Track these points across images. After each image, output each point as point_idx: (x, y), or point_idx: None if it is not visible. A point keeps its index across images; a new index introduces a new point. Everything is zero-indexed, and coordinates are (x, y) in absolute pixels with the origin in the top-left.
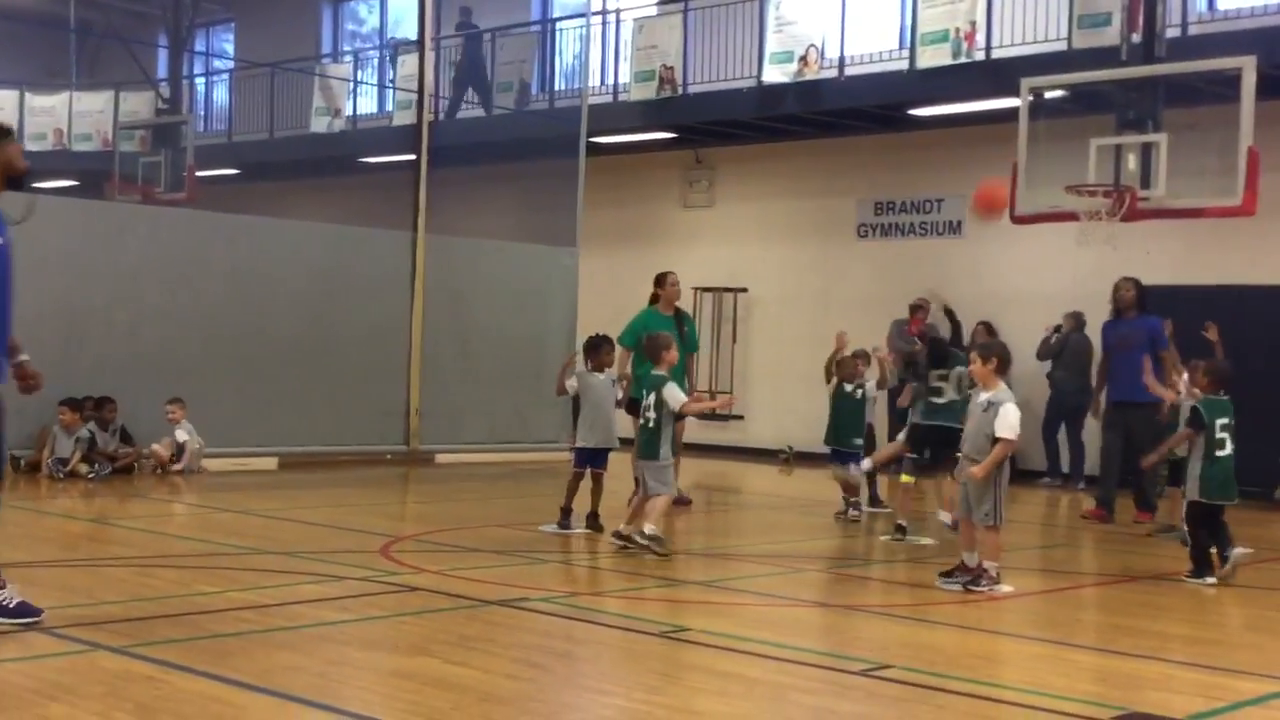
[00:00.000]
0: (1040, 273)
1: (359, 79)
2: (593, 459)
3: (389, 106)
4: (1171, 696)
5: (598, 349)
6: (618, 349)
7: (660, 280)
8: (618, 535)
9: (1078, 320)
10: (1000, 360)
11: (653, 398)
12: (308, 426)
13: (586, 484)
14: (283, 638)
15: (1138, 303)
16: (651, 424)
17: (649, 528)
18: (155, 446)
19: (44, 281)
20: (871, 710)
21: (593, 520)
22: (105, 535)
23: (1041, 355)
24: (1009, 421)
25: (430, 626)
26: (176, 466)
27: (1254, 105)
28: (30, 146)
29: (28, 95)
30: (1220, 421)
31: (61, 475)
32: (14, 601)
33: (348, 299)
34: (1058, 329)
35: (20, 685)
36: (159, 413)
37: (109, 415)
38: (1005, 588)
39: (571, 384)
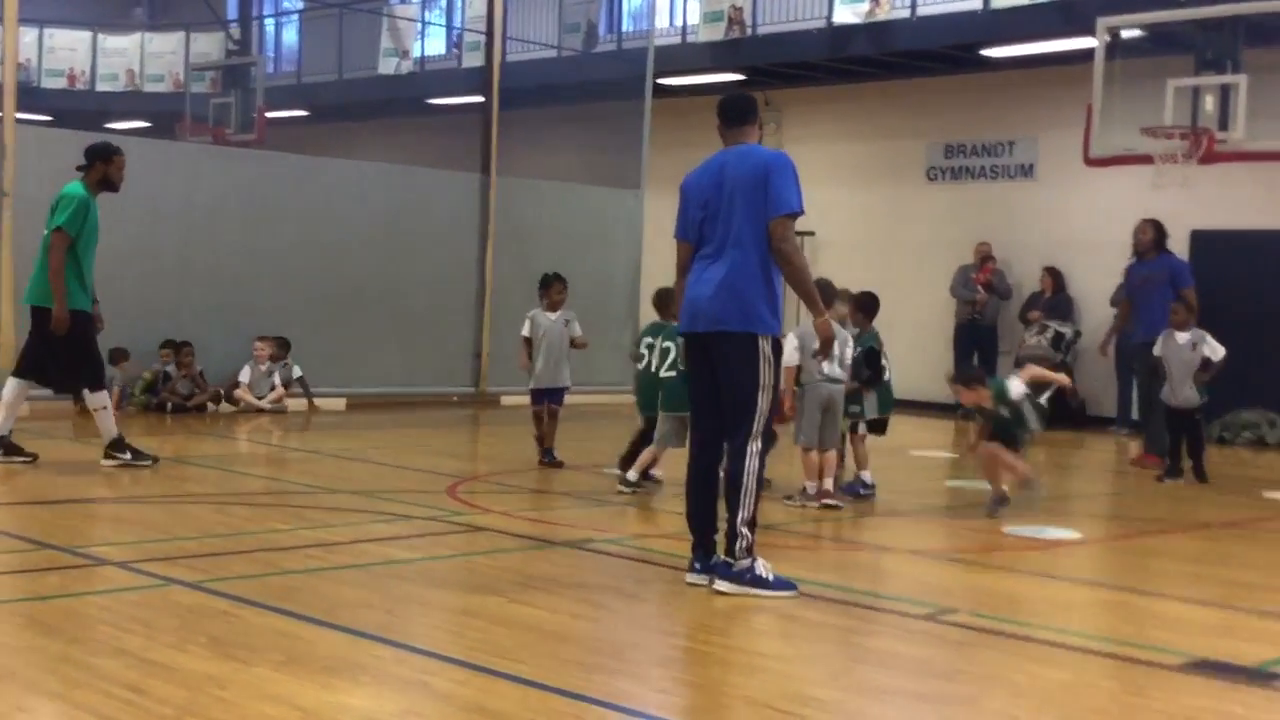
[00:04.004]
0: (1113, 217)
1: (427, 20)
2: (552, 396)
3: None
4: (1242, 644)
5: (549, 286)
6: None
7: None
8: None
9: None
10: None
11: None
12: (376, 368)
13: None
14: (352, 575)
15: (1156, 244)
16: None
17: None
18: (239, 392)
19: (118, 223)
20: (936, 654)
21: (550, 455)
22: (181, 473)
23: (1115, 301)
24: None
25: (496, 566)
26: (264, 403)
27: None
28: (102, 88)
29: (100, 36)
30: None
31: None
32: (771, 575)
33: (416, 241)
34: None
35: (97, 618)
36: (231, 352)
37: (186, 359)
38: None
39: (525, 330)
